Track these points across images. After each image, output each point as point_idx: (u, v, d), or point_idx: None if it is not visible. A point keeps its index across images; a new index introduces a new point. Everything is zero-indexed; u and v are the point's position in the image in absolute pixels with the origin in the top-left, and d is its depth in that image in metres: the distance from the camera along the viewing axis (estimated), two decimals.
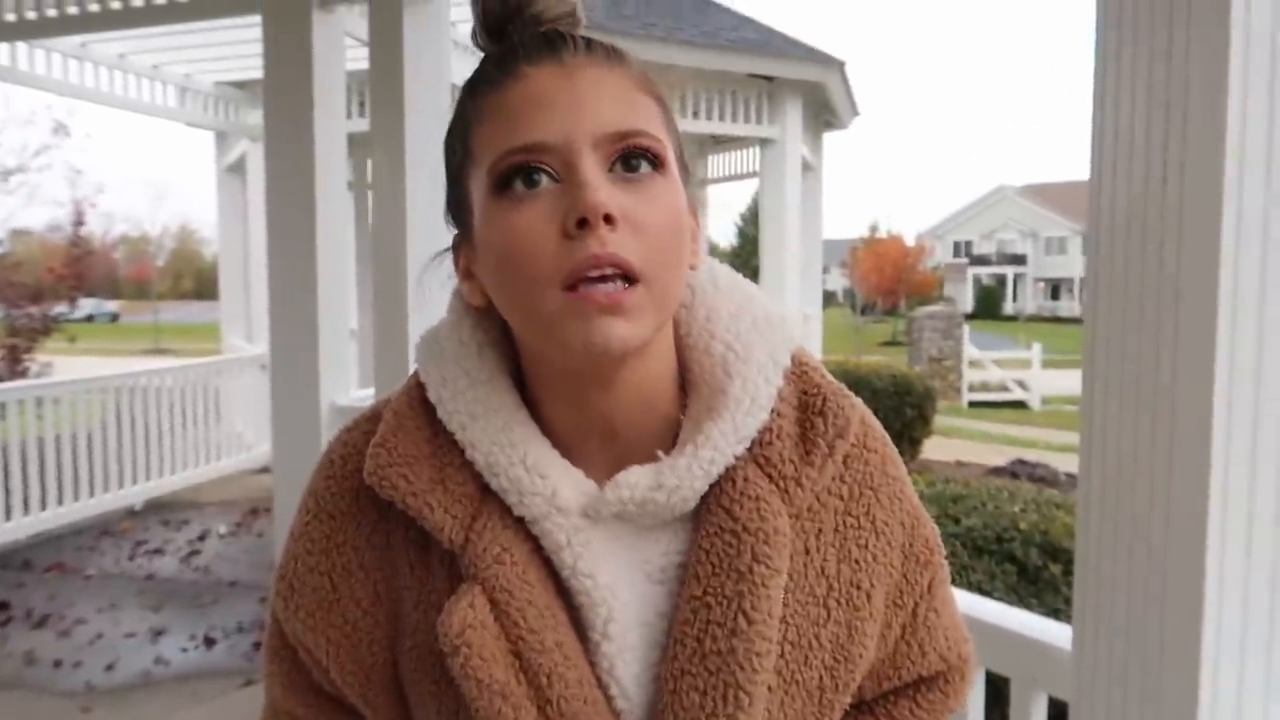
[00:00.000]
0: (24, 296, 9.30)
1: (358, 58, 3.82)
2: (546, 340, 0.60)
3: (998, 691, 1.53)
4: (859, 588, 0.67)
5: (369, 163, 5.85)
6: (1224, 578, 1.06)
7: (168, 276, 51.08)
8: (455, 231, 0.67)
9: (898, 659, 0.73)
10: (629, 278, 0.57)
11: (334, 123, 3.67)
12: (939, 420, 9.05)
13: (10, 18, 4.09)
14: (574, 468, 0.65)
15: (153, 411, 5.75)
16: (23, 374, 8.23)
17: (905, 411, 7.71)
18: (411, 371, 0.69)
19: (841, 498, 0.68)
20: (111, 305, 41.54)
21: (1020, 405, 15.83)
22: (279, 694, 0.76)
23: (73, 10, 3.96)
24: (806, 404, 0.66)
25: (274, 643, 0.74)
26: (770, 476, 0.64)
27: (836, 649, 0.66)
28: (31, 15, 4.06)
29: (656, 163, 0.60)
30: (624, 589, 0.64)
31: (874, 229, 43.99)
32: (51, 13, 4.02)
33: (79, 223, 12.37)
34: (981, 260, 52.26)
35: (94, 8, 3.94)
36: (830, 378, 0.69)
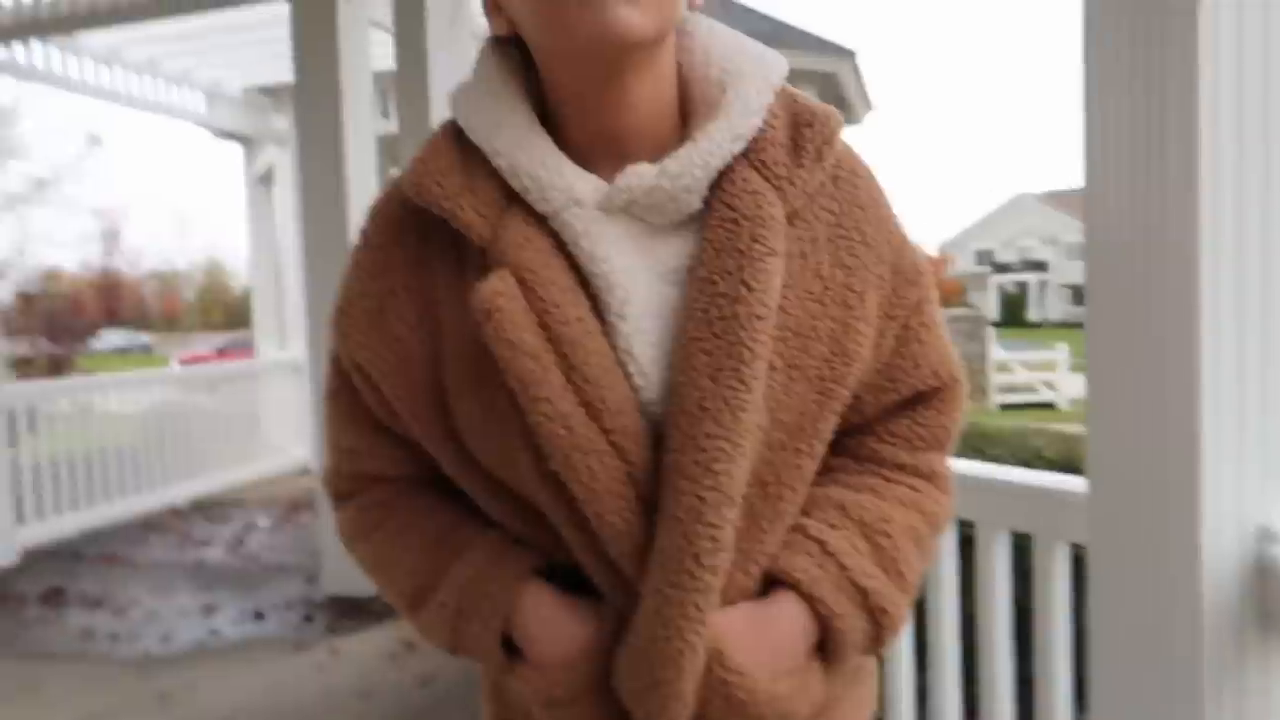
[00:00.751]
0: (60, 330, 9.63)
1: (385, 55, 3.99)
2: (562, 35, 0.67)
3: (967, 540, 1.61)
4: (852, 290, 0.75)
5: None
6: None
7: (197, 310, 51.88)
8: None
9: (893, 371, 0.80)
10: None
11: (363, 109, 3.81)
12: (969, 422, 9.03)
13: (44, 13, 4.28)
14: (588, 172, 0.73)
15: (191, 415, 5.91)
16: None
17: None
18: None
19: (832, 212, 0.77)
20: (145, 337, 42.31)
21: (1049, 406, 15.73)
22: (337, 432, 0.85)
23: (103, 5, 4.13)
24: (796, 118, 0.76)
25: (333, 383, 0.84)
26: (765, 177, 0.73)
27: (833, 342, 0.74)
28: (64, 10, 4.23)
29: None
30: (639, 280, 0.72)
31: None
32: (82, 7, 4.18)
33: (109, 254, 12.75)
34: (1004, 268, 51.95)
35: (123, 1, 4.11)
36: (818, 101, 0.78)
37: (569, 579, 0.76)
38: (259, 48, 5.48)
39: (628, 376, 0.71)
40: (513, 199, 0.73)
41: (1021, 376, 16.62)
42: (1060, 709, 1.45)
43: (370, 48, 3.86)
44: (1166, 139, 1.10)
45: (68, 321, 10.06)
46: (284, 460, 6.69)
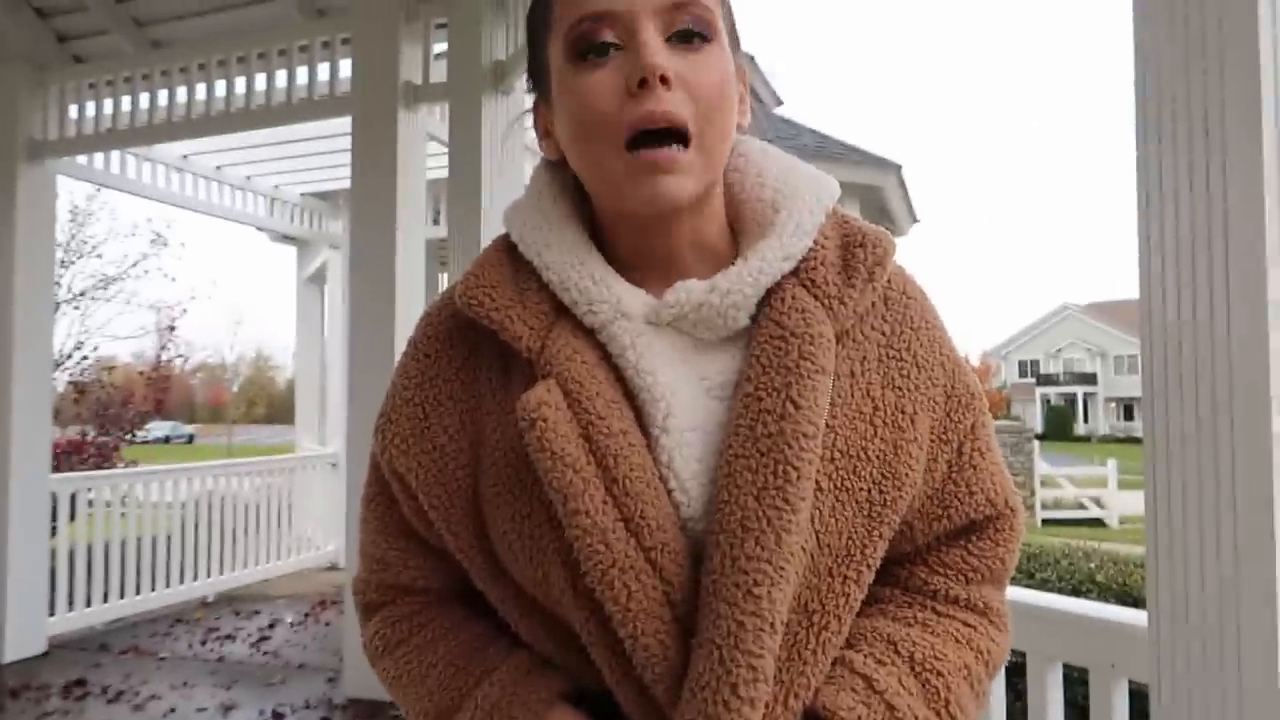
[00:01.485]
0: (109, 420, 9.89)
1: (438, 165, 4.15)
2: (612, 194, 0.72)
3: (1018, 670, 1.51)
4: (903, 412, 0.73)
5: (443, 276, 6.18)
6: None
7: (241, 401, 52.84)
8: (535, 95, 0.80)
9: (946, 497, 0.77)
10: (683, 138, 0.68)
11: (415, 215, 3.93)
12: None
13: (124, 125, 4.53)
14: (636, 287, 0.74)
15: (228, 506, 5.93)
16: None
17: None
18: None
19: (883, 333, 0.76)
20: (188, 428, 43.11)
21: (1097, 523, 15.23)
22: (371, 539, 0.84)
23: (178, 118, 4.38)
24: (848, 239, 0.76)
25: (371, 490, 0.83)
26: (815, 296, 0.72)
27: (883, 465, 0.72)
28: (142, 123, 4.49)
29: (709, 32, 0.71)
30: (684, 394, 0.71)
31: None
32: (160, 120, 4.44)
33: (163, 347, 13.22)
34: (1049, 380, 51.29)
35: (196, 114, 4.35)
36: (869, 223, 0.78)
37: (598, 706, 0.72)
38: (316, 157, 5.75)
39: (669, 492, 0.69)
40: (561, 312, 0.74)
41: (1069, 492, 16.17)
42: None
43: (425, 149, 4.02)
44: (1232, 245, 1.07)
45: (118, 411, 10.26)
46: (314, 555, 6.65)
